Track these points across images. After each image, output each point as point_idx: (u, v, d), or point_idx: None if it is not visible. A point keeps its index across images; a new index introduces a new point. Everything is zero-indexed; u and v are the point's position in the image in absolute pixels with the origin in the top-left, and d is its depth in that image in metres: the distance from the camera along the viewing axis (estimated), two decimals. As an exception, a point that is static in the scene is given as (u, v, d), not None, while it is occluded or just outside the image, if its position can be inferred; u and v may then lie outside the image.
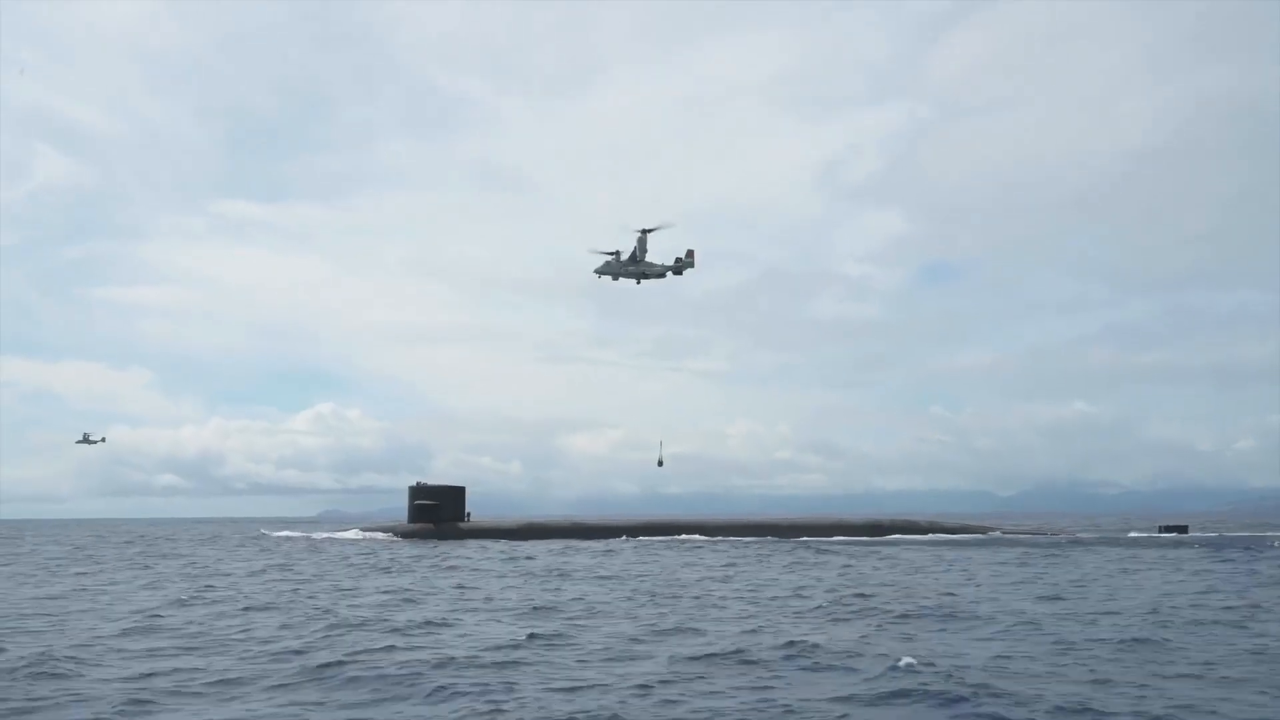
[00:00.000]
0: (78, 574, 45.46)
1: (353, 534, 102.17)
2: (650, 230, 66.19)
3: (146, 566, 50.88)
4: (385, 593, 33.94)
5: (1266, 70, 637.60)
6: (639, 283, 68.07)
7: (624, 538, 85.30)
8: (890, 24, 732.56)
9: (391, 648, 20.80)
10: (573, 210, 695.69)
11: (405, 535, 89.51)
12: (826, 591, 33.69)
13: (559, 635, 22.61)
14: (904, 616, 25.96)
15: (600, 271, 68.52)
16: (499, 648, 20.74)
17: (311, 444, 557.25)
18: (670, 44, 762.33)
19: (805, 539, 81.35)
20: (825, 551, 61.10)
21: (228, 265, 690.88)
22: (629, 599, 31.36)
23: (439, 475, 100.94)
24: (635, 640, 21.86)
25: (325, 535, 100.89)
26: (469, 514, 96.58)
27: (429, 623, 25.20)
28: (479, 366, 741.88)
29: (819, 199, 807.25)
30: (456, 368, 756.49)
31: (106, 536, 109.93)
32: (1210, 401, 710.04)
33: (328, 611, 27.57)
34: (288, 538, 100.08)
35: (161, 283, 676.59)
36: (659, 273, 67.69)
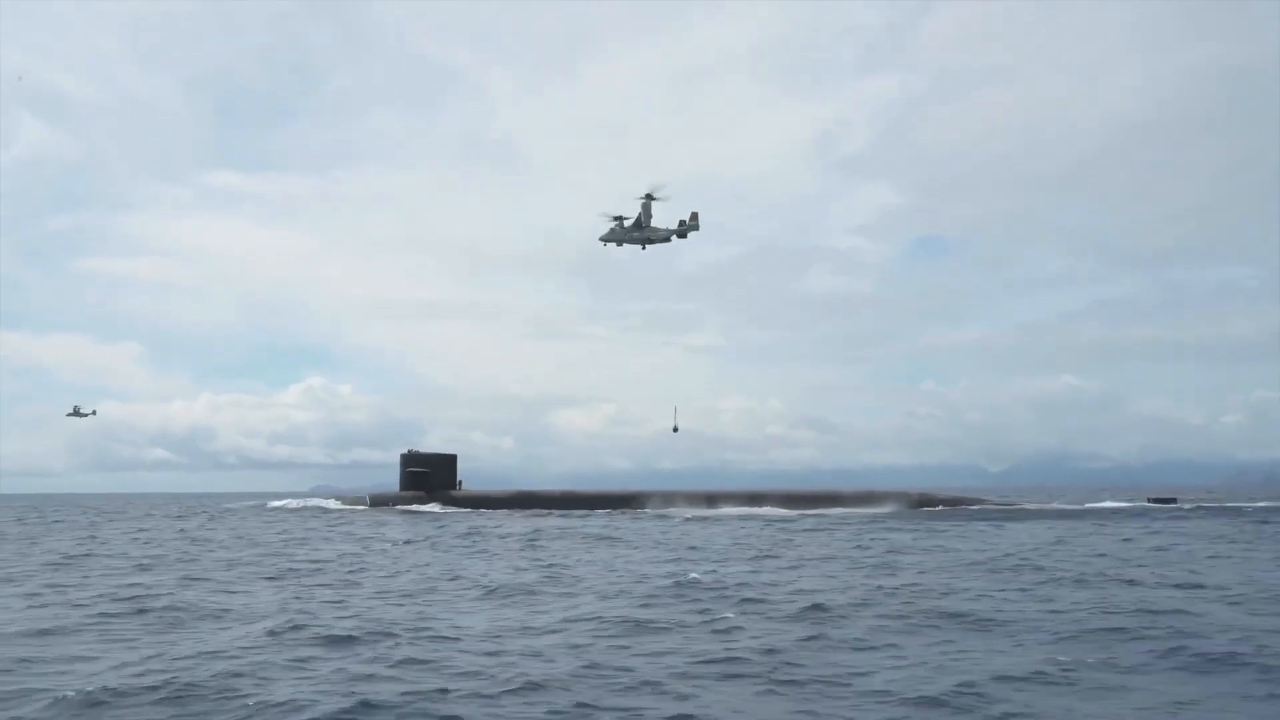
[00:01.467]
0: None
1: (330, 503, 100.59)
2: (655, 196, 64.97)
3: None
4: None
5: (1256, 43, 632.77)
6: (644, 248, 66.71)
7: (679, 508, 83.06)
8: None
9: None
10: (562, 184, 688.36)
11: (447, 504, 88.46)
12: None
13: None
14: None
15: (605, 239, 67.31)
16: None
17: (302, 418, 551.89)
18: (660, 15, 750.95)
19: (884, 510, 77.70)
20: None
21: (215, 237, 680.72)
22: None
23: (431, 450, 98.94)
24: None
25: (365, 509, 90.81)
26: (460, 482, 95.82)
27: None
28: (470, 341, 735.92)
29: (811, 172, 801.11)
30: (447, 343, 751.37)
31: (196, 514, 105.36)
32: (1199, 376, 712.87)
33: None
34: (350, 511, 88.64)
35: (149, 254, 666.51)
36: (664, 237, 66.22)
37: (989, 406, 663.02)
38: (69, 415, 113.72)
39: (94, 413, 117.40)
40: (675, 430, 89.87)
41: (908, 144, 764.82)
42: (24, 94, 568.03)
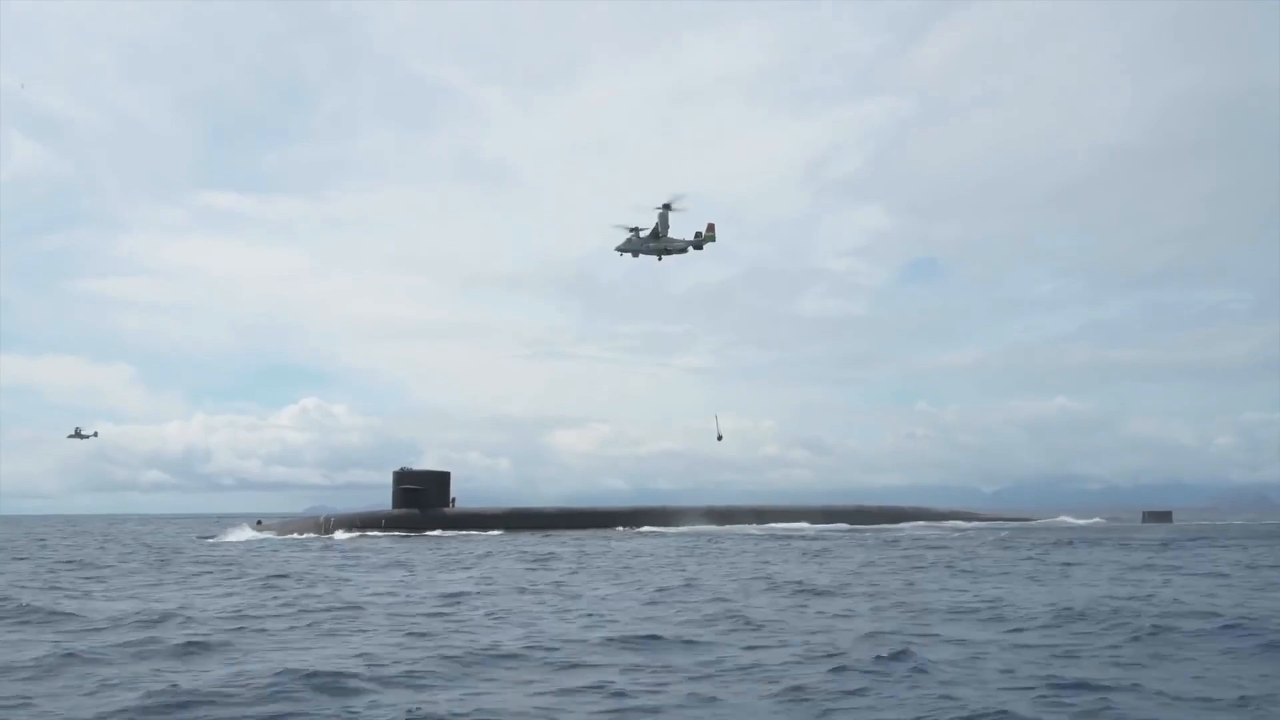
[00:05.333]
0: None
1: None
2: (672, 207, 63.23)
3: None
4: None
5: (1242, 68, 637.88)
6: (660, 259, 64.83)
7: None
8: (871, 19, 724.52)
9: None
10: (555, 204, 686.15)
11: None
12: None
13: None
14: None
15: (622, 249, 65.41)
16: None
17: (298, 440, 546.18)
18: (652, 37, 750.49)
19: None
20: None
21: (209, 258, 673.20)
22: None
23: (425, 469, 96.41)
24: None
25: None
26: (454, 499, 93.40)
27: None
28: (465, 362, 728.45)
29: (803, 195, 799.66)
30: (442, 363, 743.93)
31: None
32: (1190, 398, 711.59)
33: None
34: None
35: (142, 275, 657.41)
36: (680, 248, 64.46)
37: (982, 428, 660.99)
38: (70, 437, 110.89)
39: (95, 434, 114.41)
40: (720, 439, 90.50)
41: (899, 168, 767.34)
42: (15, 113, 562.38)
